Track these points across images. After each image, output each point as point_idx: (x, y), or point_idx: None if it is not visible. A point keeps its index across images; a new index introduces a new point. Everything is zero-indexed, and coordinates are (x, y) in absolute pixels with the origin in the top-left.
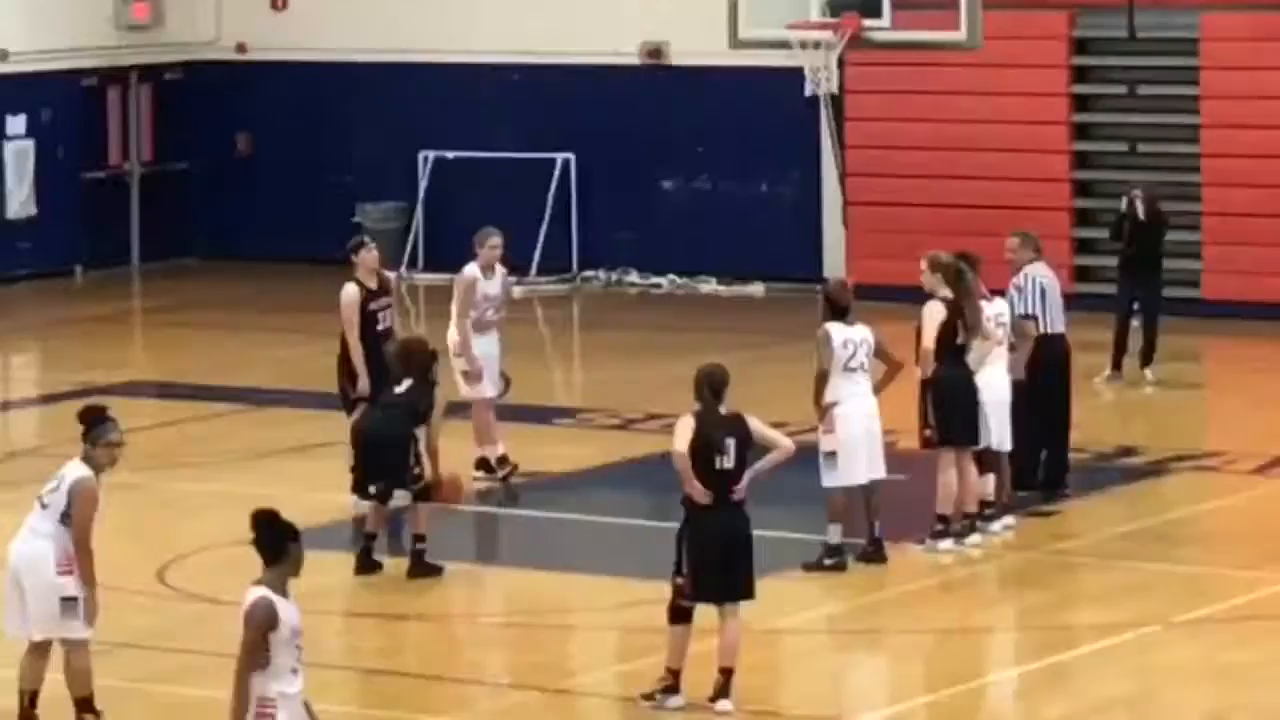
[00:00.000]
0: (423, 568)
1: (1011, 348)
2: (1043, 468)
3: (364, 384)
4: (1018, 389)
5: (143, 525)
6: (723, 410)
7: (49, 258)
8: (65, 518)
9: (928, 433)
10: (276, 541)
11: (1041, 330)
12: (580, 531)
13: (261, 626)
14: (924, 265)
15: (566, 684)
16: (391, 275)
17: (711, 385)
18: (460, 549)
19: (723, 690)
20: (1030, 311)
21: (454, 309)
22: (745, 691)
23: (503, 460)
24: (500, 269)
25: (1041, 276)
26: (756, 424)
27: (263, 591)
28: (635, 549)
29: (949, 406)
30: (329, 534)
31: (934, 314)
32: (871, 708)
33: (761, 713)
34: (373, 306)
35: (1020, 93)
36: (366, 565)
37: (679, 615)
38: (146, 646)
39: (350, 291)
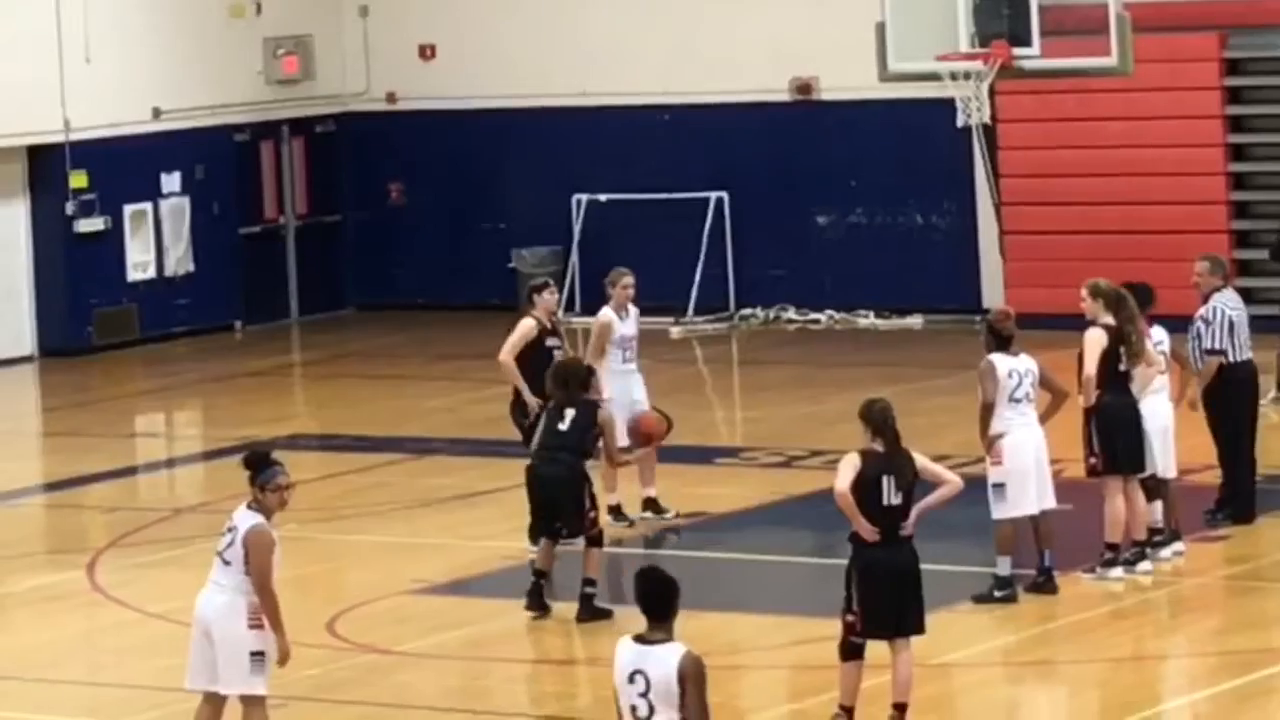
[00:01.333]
0: (592, 611)
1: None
2: (1230, 497)
3: (531, 398)
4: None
5: (310, 578)
6: (886, 445)
7: (207, 314)
8: (247, 568)
9: (1093, 461)
10: None
11: (1230, 360)
12: (746, 571)
13: None
14: (1085, 292)
15: None
16: None
17: (875, 420)
18: (626, 591)
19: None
20: (1218, 346)
21: (588, 352)
22: None
23: (654, 504)
24: (634, 310)
25: (1229, 308)
26: (923, 459)
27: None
28: (802, 587)
29: (1113, 434)
30: (498, 581)
31: (1096, 341)
32: None
33: None
34: (549, 343)
35: (1174, 116)
36: (536, 604)
37: (850, 652)
38: (319, 699)
39: (528, 323)
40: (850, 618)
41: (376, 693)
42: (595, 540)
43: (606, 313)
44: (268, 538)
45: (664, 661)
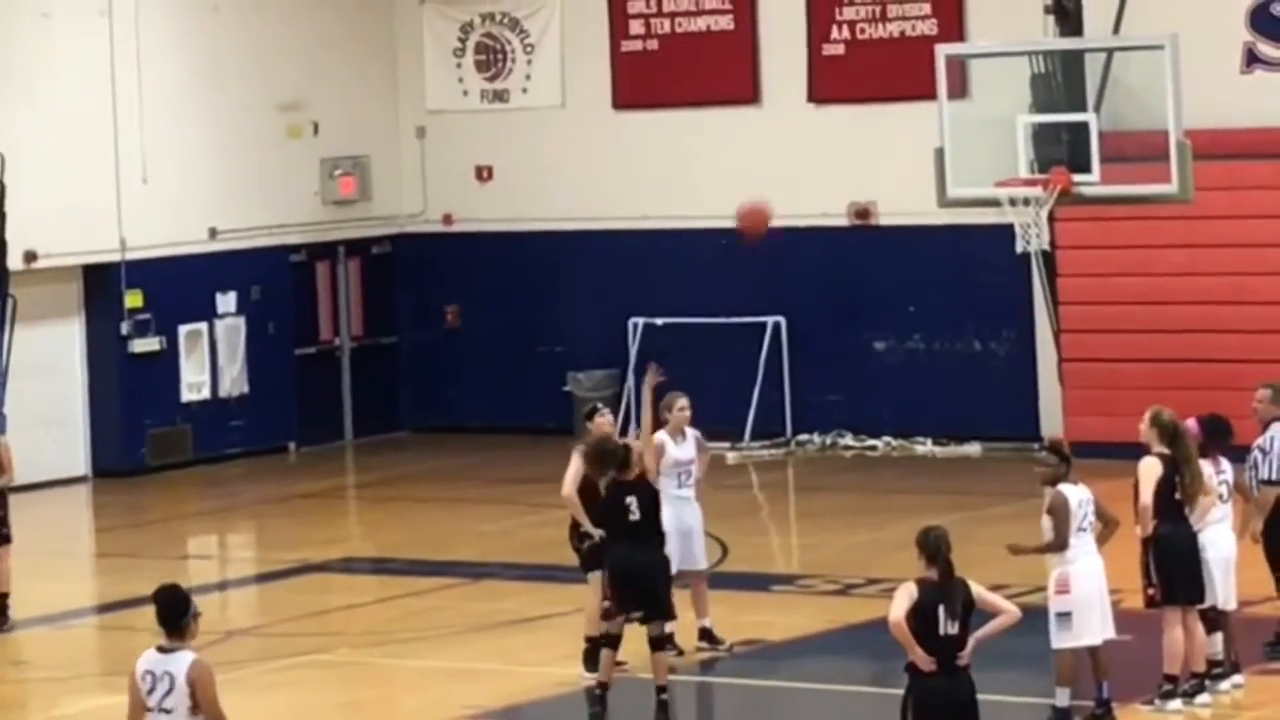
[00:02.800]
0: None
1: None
2: None
3: (594, 529)
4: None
5: (363, 703)
6: (941, 574)
7: (262, 435)
8: (193, 708)
9: (1151, 591)
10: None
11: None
12: (802, 700)
13: None
14: (1145, 420)
15: None
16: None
17: (930, 548)
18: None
19: None
20: (1275, 477)
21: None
22: None
23: (709, 634)
24: (691, 433)
25: None
26: (979, 588)
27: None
28: (859, 717)
29: (1171, 564)
30: (552, 708)
31: (1151, 469)
32: None
33: None
34: None
35: (1235, 243)
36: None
37: None
38: None
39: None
40: None
41: None
42: (659, 643)
43: (660, 436)
44: (209, 668)
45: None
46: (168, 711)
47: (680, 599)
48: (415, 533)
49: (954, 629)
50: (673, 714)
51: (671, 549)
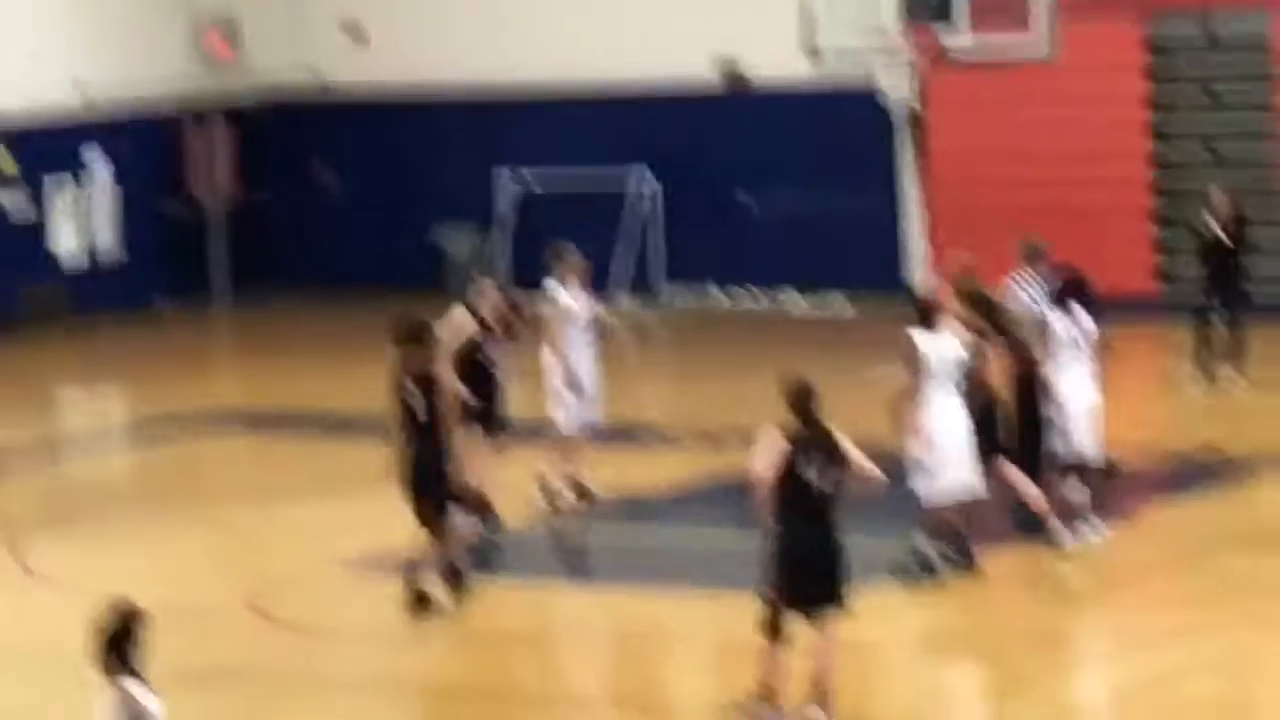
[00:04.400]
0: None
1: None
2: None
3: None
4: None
5: (235, 554)
6: (806, 423)
7: (134, 294)
8: None
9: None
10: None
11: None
12: (672, 549)
13: None
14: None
15: (665, 700)
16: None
17: (794, 399)
18: (554, 569)
19: (818, 699)
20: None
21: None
22: (844, 704)
23: (581, 488)
24: (582, 288)
25: (1035, 285)
26: (847, 444)
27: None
28: (727, 564)
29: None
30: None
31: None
32: (966, 716)
33: None
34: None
35: (1097, 99)
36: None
37: (773, 630)
38: (241, 675)
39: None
40: (771, 594)
41: (302, 668)
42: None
43: (555, 290)
44: None
45: None
46: None
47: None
48: (288, 387)
49: (817, 478)
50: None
51: (582, 402)
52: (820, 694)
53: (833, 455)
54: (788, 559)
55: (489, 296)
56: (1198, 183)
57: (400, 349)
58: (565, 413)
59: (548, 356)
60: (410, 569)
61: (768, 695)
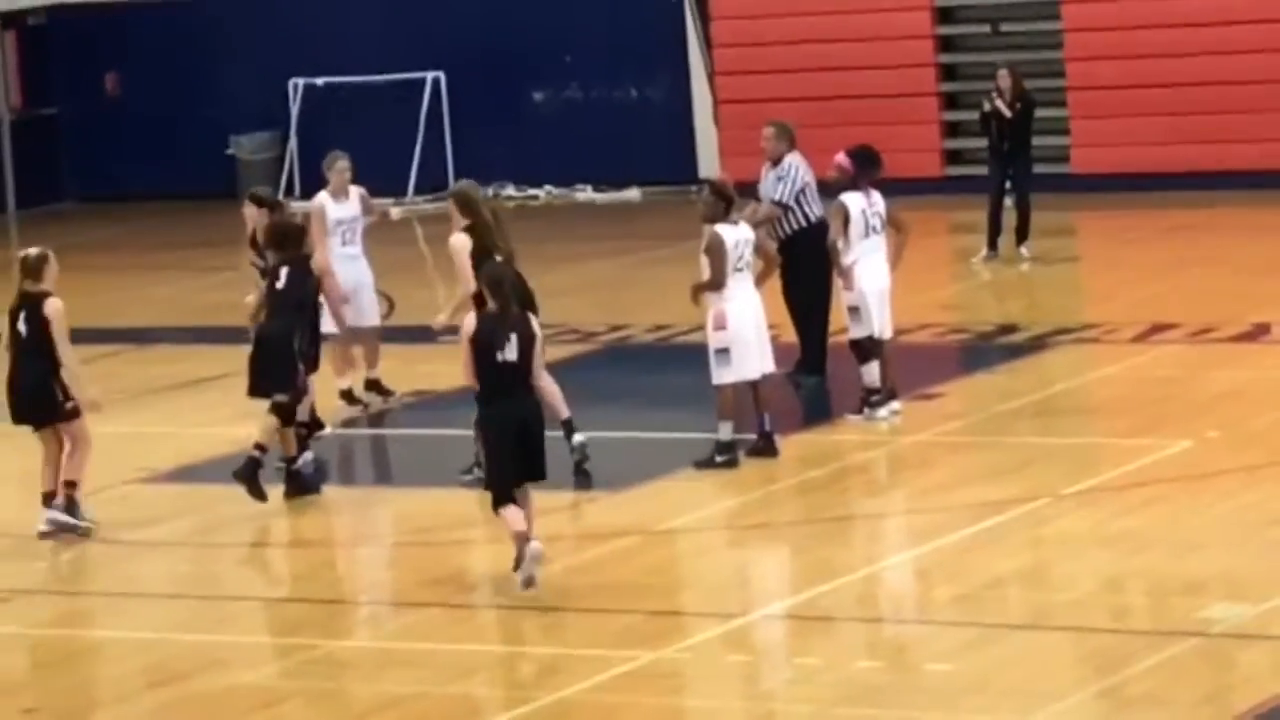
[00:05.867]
0: (297, 485)
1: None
2: (805, 355)
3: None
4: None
5: (35, 471)
6: (502, 307)
7: None
8: None
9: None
10: None
11: (810, 220)
12: (469, 447)
13: None
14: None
15: (472, 597)
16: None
17: (491, 284)
18: (350, 473)
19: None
20: (785, 200)
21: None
22: (647, 593)
23: (377, 385)
24: (356, 191)
25: (801, 167)
26: (540, 339)
27: None
28: None
29: None
30: (224, 467)
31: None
32: (770, 601)
33: (661, 613)
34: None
35: None
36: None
37: (502, 498)
38: (46, 591)
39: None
40: (482, 469)
41: (105, 582)
42: (284, 414)
43: (321, 197)
44: None
45: None
46: None
47: (356, 355)
48: (83, 301)
49: (512, 355)
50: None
51: (346, 309)
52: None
53: (526, 335)
54: (489, 432)
55: (249, 213)
56: (984, 63)
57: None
58: (342, 320)
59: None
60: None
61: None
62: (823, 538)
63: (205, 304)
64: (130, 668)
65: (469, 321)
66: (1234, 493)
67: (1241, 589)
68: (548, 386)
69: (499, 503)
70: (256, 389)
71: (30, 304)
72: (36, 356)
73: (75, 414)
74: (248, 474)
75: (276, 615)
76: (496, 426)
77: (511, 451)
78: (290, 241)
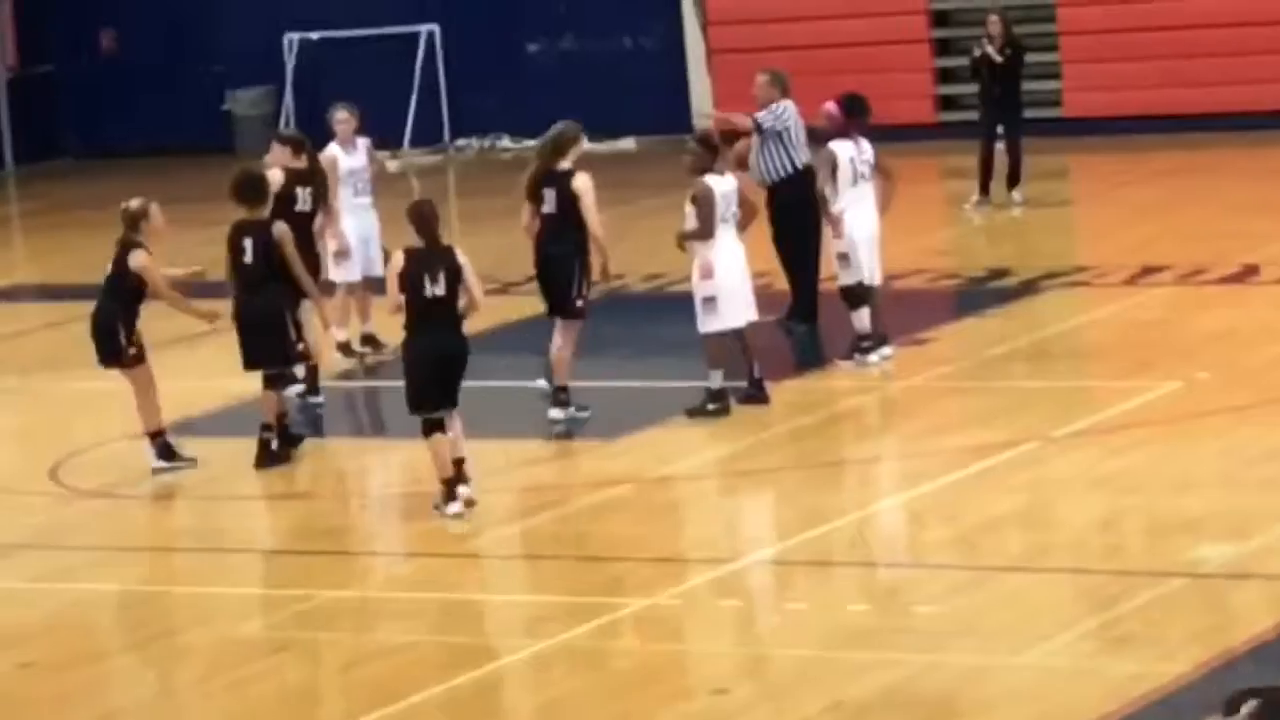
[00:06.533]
0: (270, 456)
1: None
2: (796, 302)
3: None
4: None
5: (33, 427)
6: (428, 242)
7: None
8: None
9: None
10: None
11: (798, 167)
12: (466, 397)
13: None
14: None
15: (465, 546)
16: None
17: (418, 219)
18: (342, 425)
19: (460, 478)
20: (763, 123)
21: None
22: (639, 540)
23: (371, 339)
24: (362, 142)
25: (792, 111)
26: (466, 263)
27: None
28: (522, 411)
29: None
30: (223, 420)
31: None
32: (762, 547)
33: (657, 559)
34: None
35: None
36: (269, 457)
37: (431, 427)
38: (44, 546)
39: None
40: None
41: (105, 536)
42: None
43: (332, 148)
44: None
45: None
46: None
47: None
48: (82, 258)
49: (440, 290)
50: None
51: (355, 257)
52: (460, 471)
53: (452, 271)
54: (413, 362)
55: (277, 156)
56: (974, 9)
57: (242, 204)
58: (342, 269)
59: (322, 215)
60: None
61: (448, 489)
62: (814, 483)
63: (202, 258)
64: (126, 621)
65: (397, 257)
66: (1225, 432)
67: (1234, 528)
68: (559, 354)
69: (430, 429)
70: (253, 363)
71: (119, 252)
72: (109, 299)
73: (138, 360)
74: (267, 461)
75: (271, 567)
76: (419, 354)
77: (431, 377)
78: (257, 195)
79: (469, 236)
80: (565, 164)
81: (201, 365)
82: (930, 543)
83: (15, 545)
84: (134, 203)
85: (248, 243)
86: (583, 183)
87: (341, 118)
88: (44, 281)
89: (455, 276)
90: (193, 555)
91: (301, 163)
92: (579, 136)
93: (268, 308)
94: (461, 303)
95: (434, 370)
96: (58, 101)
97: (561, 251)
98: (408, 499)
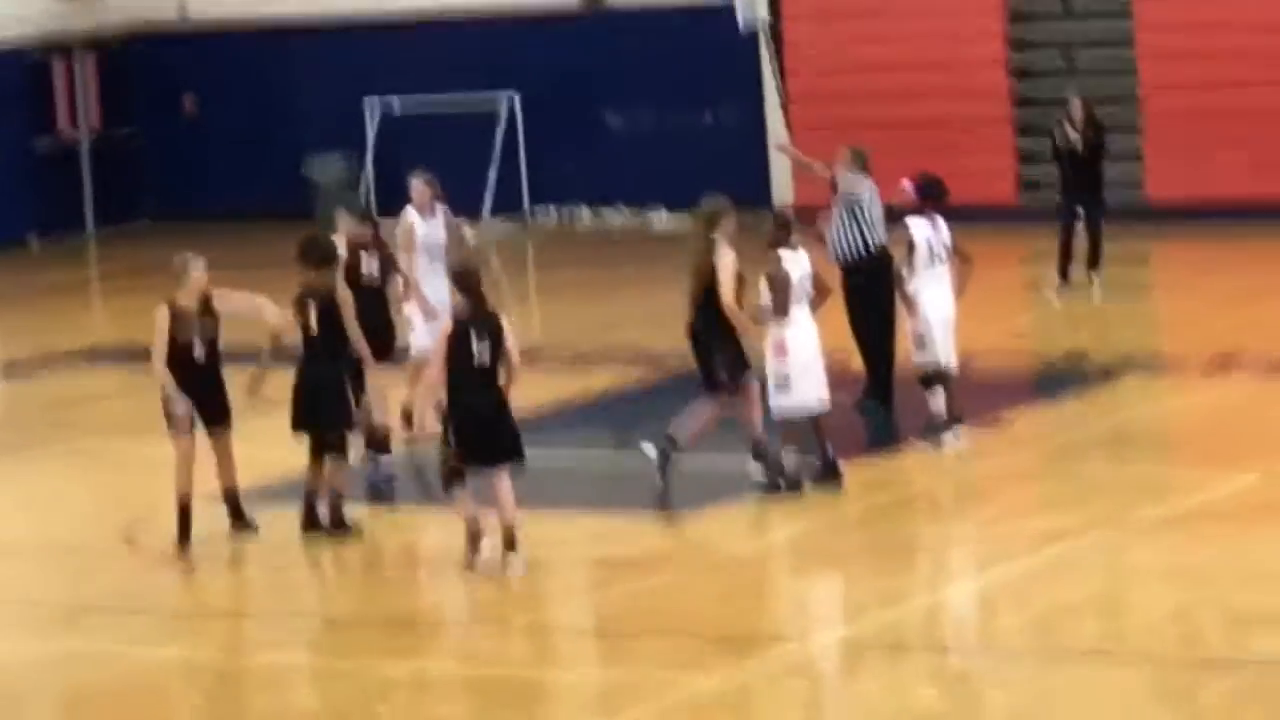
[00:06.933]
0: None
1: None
2: (871, 382)
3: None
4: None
5: (108, 488)
6: (474, 306)
7: (3, 228)
8: None
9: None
10: None
11: (873, 245)
12: (540, 469)
13: None
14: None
15: (536, 617)
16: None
17: (464, 283)
18: (422, 492)
19: (510, 543)
20: (851, 193)
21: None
22: (710, 618)
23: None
24: (440, 209)
25: (871, 191)
26: (509, 331)
27: None
28: (594, 483)
29: None
30: (290, 488)
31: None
32: (833, 626)
33: (726, 636)
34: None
35: (955, 9)
36: (313, 523)
37: (455, 478)
38: (115, 609)
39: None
40: (450, 450)
41: (176, 599)
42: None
43: (409, 213)
44: None
45: None
46: None
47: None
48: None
49: (485, 354)
50: (337, 518)
51: (436, 327)
52: (509, 539)
53: (496, 335)
54: (461, 420)
55: (344, 224)
56: (1057, 91)
57: (308, 268)
58: (420, 337)
59: (400, 282)
60: (309, 494)
61: (476, 542)
62: (886, 564)
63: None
64: (194, 687)
65: (447, 323)
66: None
67: None
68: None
69: (453, 482)
70: (307, 425)
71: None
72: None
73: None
74: (336, 523)
75: (338, 637)
76: (463, 421)
77: (476, 438)
78: (323, 259)
79: (547, 306)
80: (715, 235)
81: (274, 431)
82: (1002, 628)
83: (86, 607)
84: (175, 258)
85: (312, 306)
86: (721, 258)
87: (419, 186)
88: (122, 344)
89: (499, 342)
90: (260, 621)
91: (368, 231)
92: (727, 211)
93: (328, 372)
94: (502, 373)
95: (481, 425)
96: (139, 164)
97: (703, 324)
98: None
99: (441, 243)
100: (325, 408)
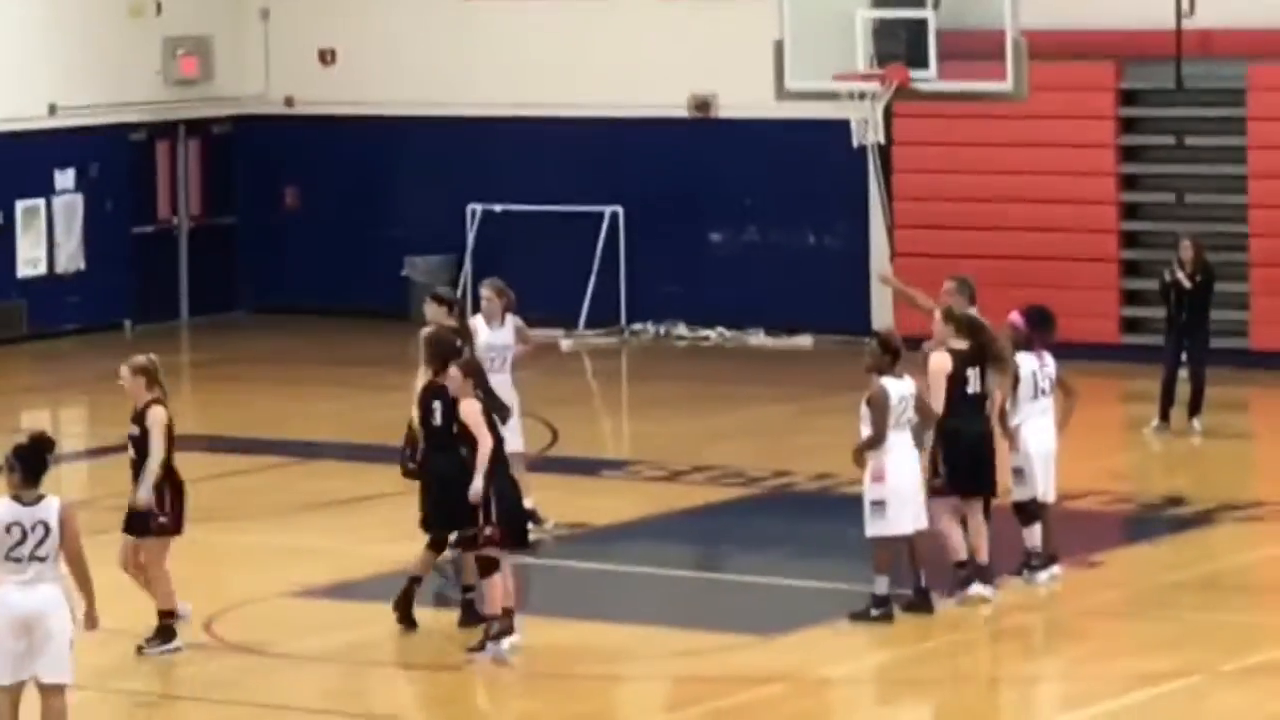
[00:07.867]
0: (473, 616)
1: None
2: None
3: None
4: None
5: (192, 578)
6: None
7: (98, 312)
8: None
9: (936, 482)
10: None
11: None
12: (626, 582)
13: None
14: (937, 317)
15: None
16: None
17: (479, 375)
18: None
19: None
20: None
21: None
22: None
23: (530, 513)
24: (511, 320)
25: None
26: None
27: None
28: (680, 599)
29: (955, 457)
30: (379, 586)
31: (941, 365)
32: None
33: None
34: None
35: (1067, 144)
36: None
37: (491, 565)
38: (196, 699)
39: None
40: (489, 532)
41: (253, 693)
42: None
43: (475, 320)
44: (74, 509)
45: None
46: (41, 560)
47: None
48: (248, 412)
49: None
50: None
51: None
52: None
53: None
54: (505, 500)
55: (431, 313)
56: (1166, 233)
57: (432, 366)
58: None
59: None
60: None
61: (505, 624)
62: (972, 698)
63: (372, 422)
64: None
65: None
66: None
67: None
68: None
69: (489, 569)
70: (431, 524)
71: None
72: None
73: (156, 530)
74: (403, 605)
75: None
76: (508, 494)
77: (521, 520)
78: (443, 353)
79: (638, 423)
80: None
81: (364, 529)
82: None
83: (167, 696)
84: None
85: (436, 404)
86: (932, 361)
87: (486, 295)
88: (210, 433)
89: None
90: (338, 719)
91: (453, 321)
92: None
93: (451, 469)
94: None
95: (521, 513)
96: (237, 255)
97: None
98: (557, 680)
99: (505, 352)
100: (446, 505)
